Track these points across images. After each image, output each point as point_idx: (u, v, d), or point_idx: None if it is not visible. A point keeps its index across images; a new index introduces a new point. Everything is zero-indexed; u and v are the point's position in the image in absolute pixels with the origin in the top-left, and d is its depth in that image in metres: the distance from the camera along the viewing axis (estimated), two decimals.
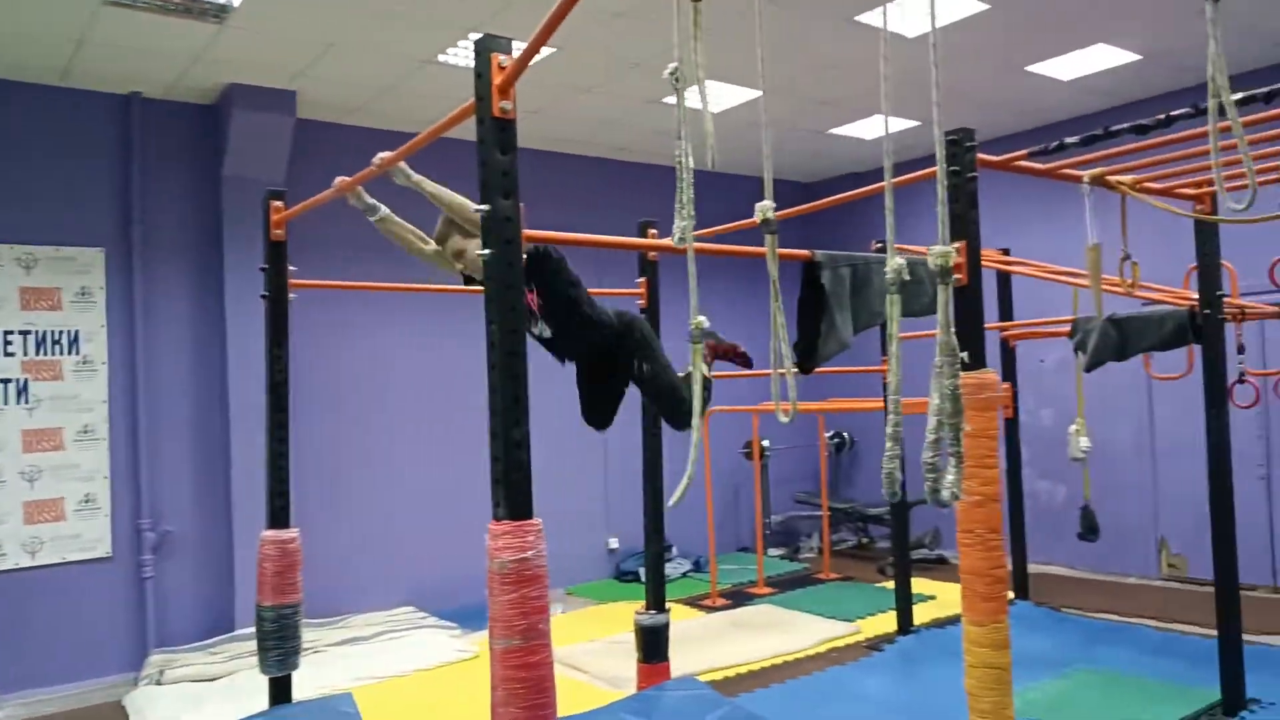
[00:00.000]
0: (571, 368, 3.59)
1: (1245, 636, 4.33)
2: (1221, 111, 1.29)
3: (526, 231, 2.67)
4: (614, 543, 8.32)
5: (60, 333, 5.95)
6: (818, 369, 3.43)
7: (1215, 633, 4.28)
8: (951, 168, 3.21)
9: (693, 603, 7.17)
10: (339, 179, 3.59)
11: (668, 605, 4.57)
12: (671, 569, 7.98)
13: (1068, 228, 5.83)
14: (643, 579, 7.54)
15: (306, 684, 4.90)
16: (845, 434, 9.56)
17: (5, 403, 5.74)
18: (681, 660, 4.82)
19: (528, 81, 6.08)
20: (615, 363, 3.46)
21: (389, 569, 7.05)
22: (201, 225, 6.47)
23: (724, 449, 8.58)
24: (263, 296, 4.24)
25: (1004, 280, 6.50)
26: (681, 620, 6.25)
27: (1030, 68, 6.58)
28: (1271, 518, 6.70)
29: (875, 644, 5.74)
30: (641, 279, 4.74)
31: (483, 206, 2.39)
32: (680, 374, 3.45)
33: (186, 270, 6.43)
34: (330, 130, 6.97)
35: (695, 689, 4.07)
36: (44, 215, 5.92)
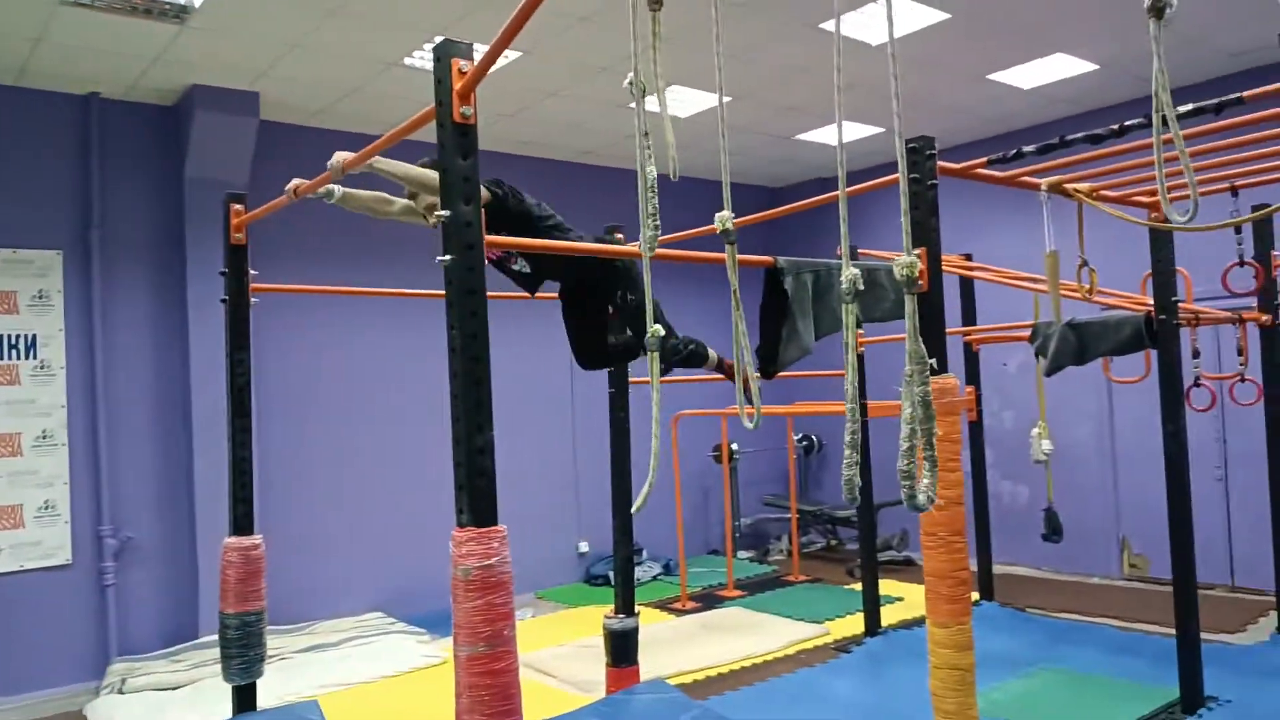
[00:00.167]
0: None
1: (1203, 635, 4.42)
2: (1167, 124, 1.32)
3: (489, 237, 2.67)
4: (584, 546, 8.31)
5: (17, 336, 5.84)
6: (783, 373, 3.45)
7: (1175, 632, 4.36)
8: (912, 175, 3.24)
9: (662, 606, 7.18)
10: (294, 182, 3.56)
11: (637, 609, 4.57)
12: (641, 572, 7.98)
13: (1029, 233, 5.92)
14: (612, 582, 7.59)
15: (272, 692, 4.85)
16: (814, 437, 9.62)
17: None
18: (651, 663, 4.82)
19: (494, 85, 6.10)
20: (597, 290, 3.52)
21: (356, 575, 6.99)
22: (163, 228, 6.39)
23: (693, 452, 8.60)
24: (223, 301, 4.19)
25: (967, 285, 6.58)
26: (651, 623, 6.25)
27: (991, 76, 6.67)
28: (1229, 519, 6.83)
29: (844, 646, 5.78)
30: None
31: (443, 212, 2.38)
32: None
33: (147, 273, 6.34)
34: (294, 132, 6.90)
35: (664, 692, 4.08)
36: (0, 217, 5.81)
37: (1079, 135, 3.49)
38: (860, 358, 6.04)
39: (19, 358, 5.84)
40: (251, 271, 4.23)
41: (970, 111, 7.46)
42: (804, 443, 9.56)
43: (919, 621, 5.84)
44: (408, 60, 5.85)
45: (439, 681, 5.40)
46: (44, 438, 5.89)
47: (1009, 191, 4.44)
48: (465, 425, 2.30)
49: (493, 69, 2.39)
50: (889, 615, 6.23)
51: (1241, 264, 4.80)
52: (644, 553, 8.29)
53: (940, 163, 3.34)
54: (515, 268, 3.38)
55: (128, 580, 6.09)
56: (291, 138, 6.84)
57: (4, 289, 5.82)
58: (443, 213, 2.37)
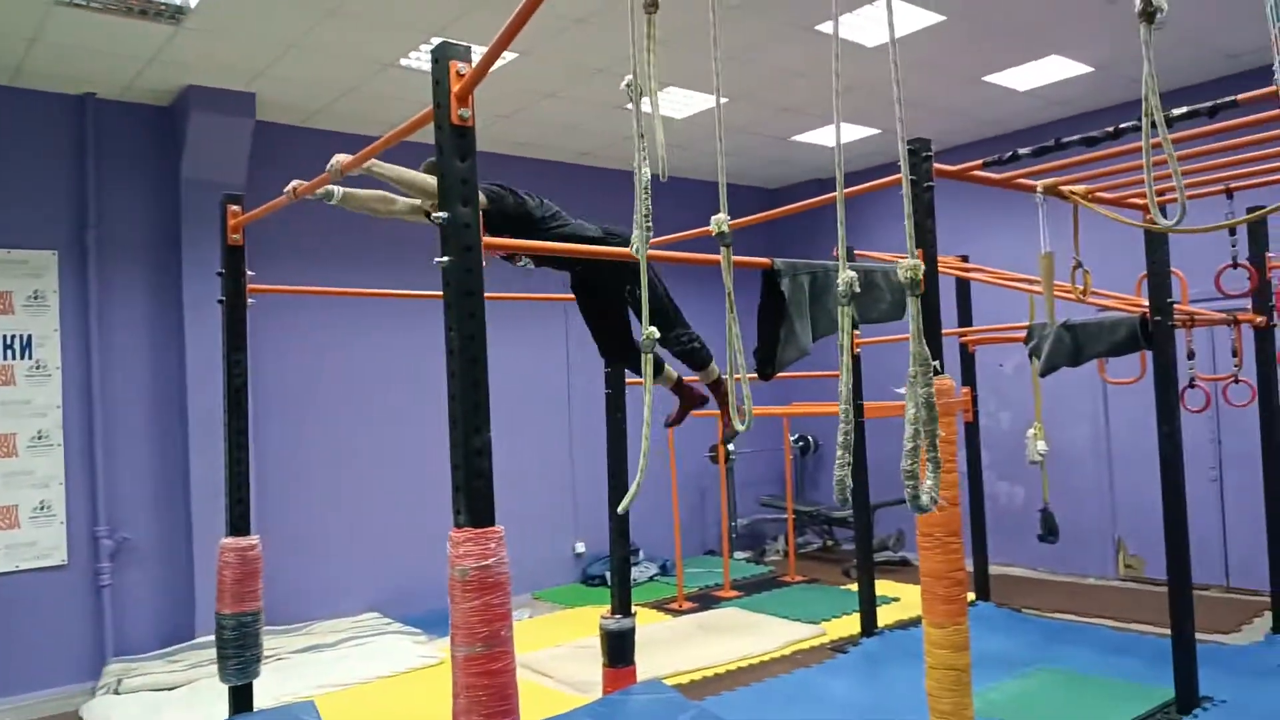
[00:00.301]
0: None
1: (1199, 635, 4.43)
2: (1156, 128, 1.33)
3: (486, 239, 2.67)
4: (580, 547, 8.31)
5: (12, 336, 5.83)
6: (780, 374, 3.46)
7: (1170, 632, 4.37)
8: (908, 178, 3.24)
9: (659, 606, 7.18)
10: (293, 184, 3.56)
11: (634, 609, 4.58)
12: (638, 573, 7.99)
13: (1025, 235, 5.93)
14: (609, 583, 7.59)
15: (268, 692, 4.85)
16: (810, 438, 9.64)
17: None
18: (647, 664, 4.82)
19: (491, 87, 6.10)
20: (606, 286, 3.54)
21: (353, 575, 6.99)
22: (158, 228, 6.38)
23: (689, 452, 8.61)
24: (220, 301, 4.19)
25: (963, 287, 6.59)
26: (648, 624, 6.26)
27: (987, 78, 6.69)
28: (1224, 519, 6.85)
29: (840, 646, 5.79)
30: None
31: (442, 214, 2.39)
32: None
33: (143, 274, 6.33)
34: (290, 133, 6.90)
35: (661, 692, 4.09)
36: None
37: (1074, 138, 3.51)
38: (856, 359, 6.05)
39: (14, 358, 5.84)
40: (249, 272, 4.23)
41: (965, 113, 7.48)
42: (800, 443, 9.57)
43: (915, 622, 5.86)
44: (404, 61, 5.86)
45: (435, 682, 5.40)
46: (39, 438, 5.88)
47: (1004, 193, 4.46)
48: (463, 426, 2.30)
49: (489, 70, 2.39)
50: (885, 615, 6.24)
51: (1235, 266, 4.82)
52: (640, 553, 8.29)
53: (936, 165, 3.35)
54: (520, 264, 3.41)
55: (124, 581, 6.09)
56: (288, 138, 6.83)
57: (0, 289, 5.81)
58: (441, 215, 2.38)
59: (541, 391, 8.10)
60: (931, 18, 5.53)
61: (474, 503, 2.25)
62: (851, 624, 6.19)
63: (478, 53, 2.38)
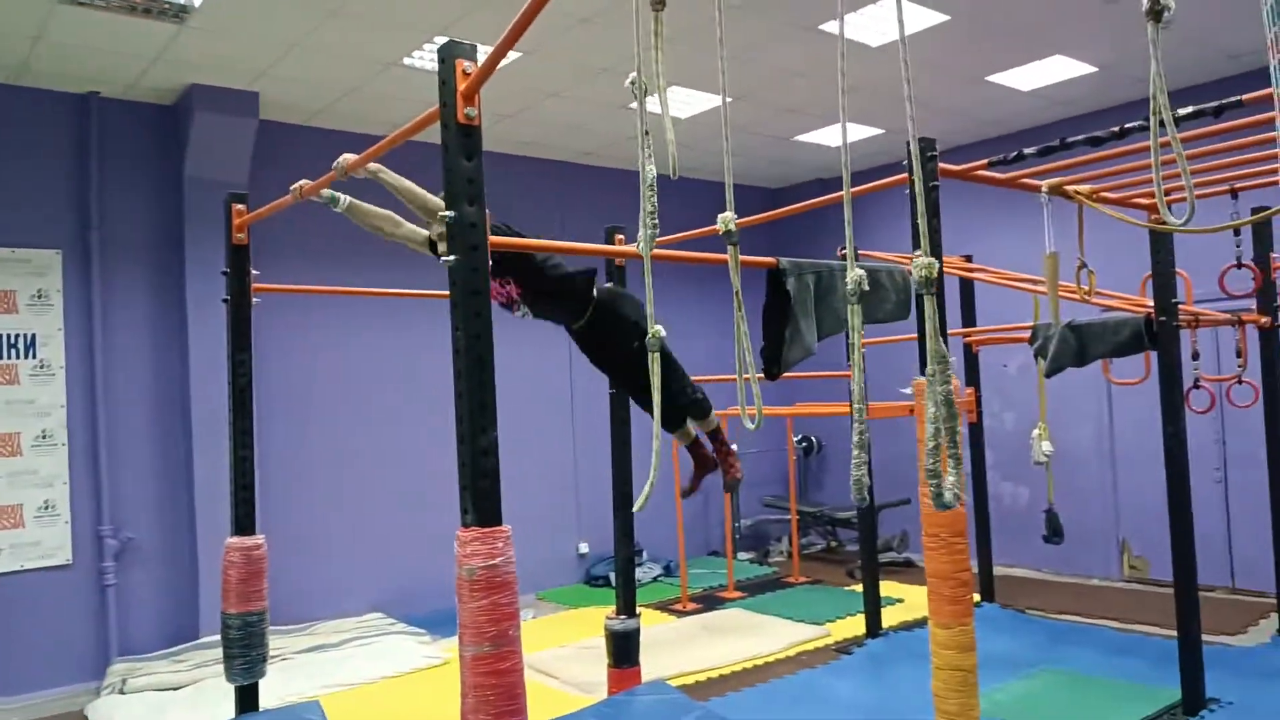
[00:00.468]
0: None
1: (1204, 637, 4.42)
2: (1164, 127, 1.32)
3: (492, 239, 2.67)
4: (584, 547, 8.31)
5: (16, 336, 5.84)
6: (784, 374, 3.45)
7: (1176, 633, 4.36)
8: (913, 176, 3.24)
9: (663, 607, 7.18)
10: (299, 183, 3.56)
11: (638, 610, 4.57)
12: (642, 573, 7.98)
13: (1028, 235, 5.93)
14: (613, 583, 7.58)
15: (273, 692, 4.85)
16: (813, 438, 9.63)
17: None
18: (652, 665, 4.81)
19: (495, 86, 6.10)
20: (613, 343, 3.52)
21: (356, 575, 6.99)
22: (162, 227, 6.39)
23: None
24: (225, 301, 4.19)
25: (966, 287, 6.59)
26: (652, 625, 6.25)
27: (991, 78, 6.68)
28: (1229, 520, 6.83)
29: (844, 647, 5.78)
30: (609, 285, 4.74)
31: (448, 213, 2.39)
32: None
33: (146, 273, 6.34)
34: (294, 132, 6.90)
35: (666, 693, 4.08)
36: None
37: (1079, 137, 3.50)
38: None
39: (18, 357, 5.84)
40: (253, 272, 4.23)
41: (968, 113, 7.47)
42: (803, 444, 9.56)
43: (920, 623, 5.85)
44: (406, 60, 5.86)
45: (440, 682, 5.41)
46: (43, 437, 5.89)
47: (1008, 193, 4.45)
48: (469, 426, 2.30)
49: (495, 69, 2.39)
50: (890, 616, 6.24)
51: (1239, 266, 4.81)
52: (644, 554, 8.28)
53: (941, 164, 3.35)
54: (518, 313, 3.40)
55: (128, 580, 6.09)
56: (291, 137, 6.84)
57: (3, 288, 5.82)
58: (448, 213, 2.38)
59: (544, 391, 8.10)
60: (935, 17, 5.53)
61: (481, 502, 2.25)
62: (856, 625, 6.19)
63: (482, 52, 2.38)
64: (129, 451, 6.19)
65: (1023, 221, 7.34)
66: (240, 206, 4.17)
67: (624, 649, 4.35)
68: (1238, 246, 4.73)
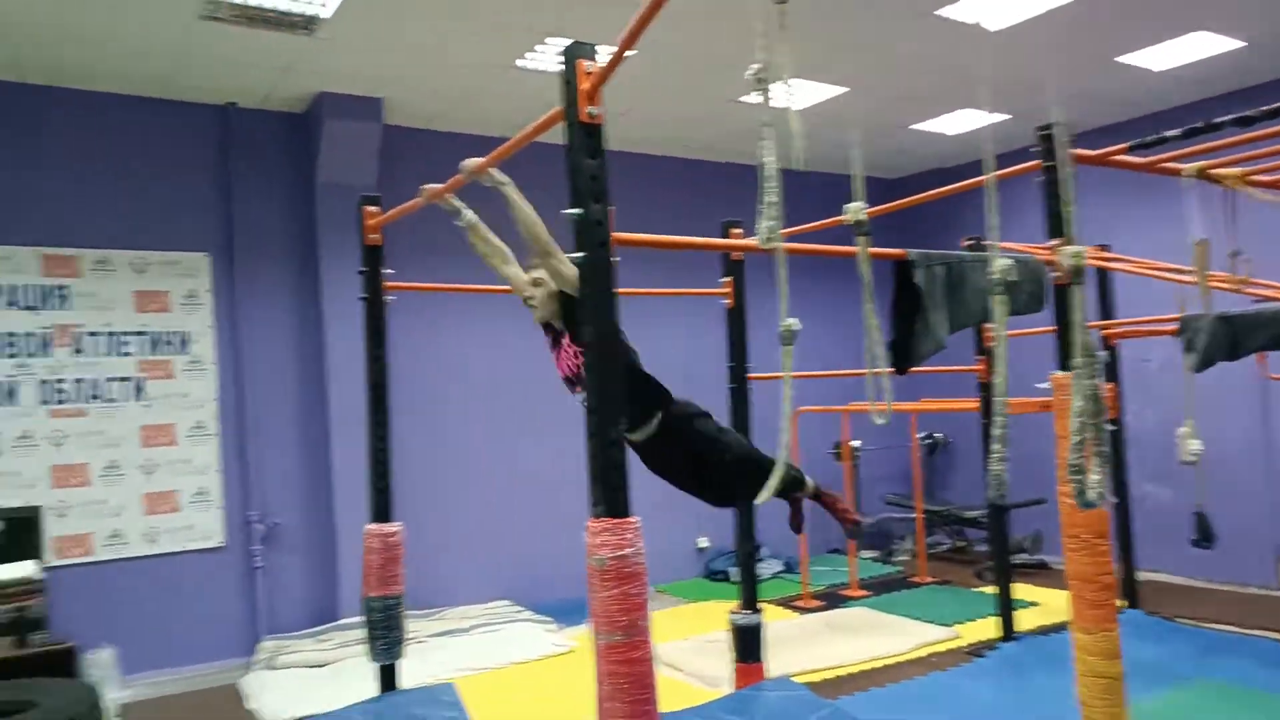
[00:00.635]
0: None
1: None
2: None
3: (615, 235, 2.70)
4: (703, 541, 8.31)
5: (171, 334, 6.26)
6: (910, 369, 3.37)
7: None
8: (1046, 163, 3.12)
9: (785, 604, 7.11)
10: (427, 186, 3.66)
11: (760, 605, 4.55)
12: (762, 569, 7.91)
13: (1166, 222, 5.57)
14: (733, 578, 7.57)
15: (409, 673, 5.03)
16: (938, 435, 9.35)
17: (124, 400, 6.08)
18: (776, 661, 4.78)
19: (607, 84, 6.16)
20: (677, 452, 3.39)
21: (485, 563, 7.20)
22: (298, 230, 6.73)
23: (812, 449, 8.47)
24: (361, 299, 4.38)
25: (1103, 277, 6.26)
26: (774, 621, 6.20)
27: (1121, 59, 6.33)
28: None
29: (977, 650, 5.59)
30: (726, 279, 4.73)
31: (573, 210, 2.42)
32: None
33: (286, 273, 6.69)
34: (417, 135, 7.12)
35: (793, 690, 4.05)
36: (153, 222, 6.23)
37: (1227, 118, 3.27)
38: (990, 353, 5.83)
39: (173, 353, 6.26)
40: (386, 270, 4.41)
41: (1095, 97, 7.10)
42: (928, 441, 9.29)
43: (1057, 628, 5.60)
44: (520, 62, 5.96)
45: (568, 669, 5.52)
46: (197, 428, 6.30)
47: (1143, 179, 4.21)
48: (598, 419, 2.34)
49: (617, 67, 2.41)
50: (1024, 620, 5.99)
51: None
52: (764, 549, 8.22)
53: (1076, 150, 3.19)
54: (576, 396, 3.21)
55: (275, 563, 6.46)
56: (414, 141, 7.05)
57: (158, 289, 6.24)
58: (574, 210, 2.41)
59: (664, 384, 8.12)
60: None
61: (610, 494, 2.28)
62: (987, 627, 5.97)
63: (603, 51, 2.41)
64: (273, 441, 6.56)
65: (1159, 209, 6.93)
66: (373, 209, 4.36)
67: (748, 644, 4.34)
68: None
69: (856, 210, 1.68)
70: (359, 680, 4.93)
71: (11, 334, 5.76)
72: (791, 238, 4.58)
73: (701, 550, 8.31)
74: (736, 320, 4.65)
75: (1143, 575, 6.69)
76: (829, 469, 8.87)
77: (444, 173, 3.58)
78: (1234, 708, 4.47)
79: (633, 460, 2.49)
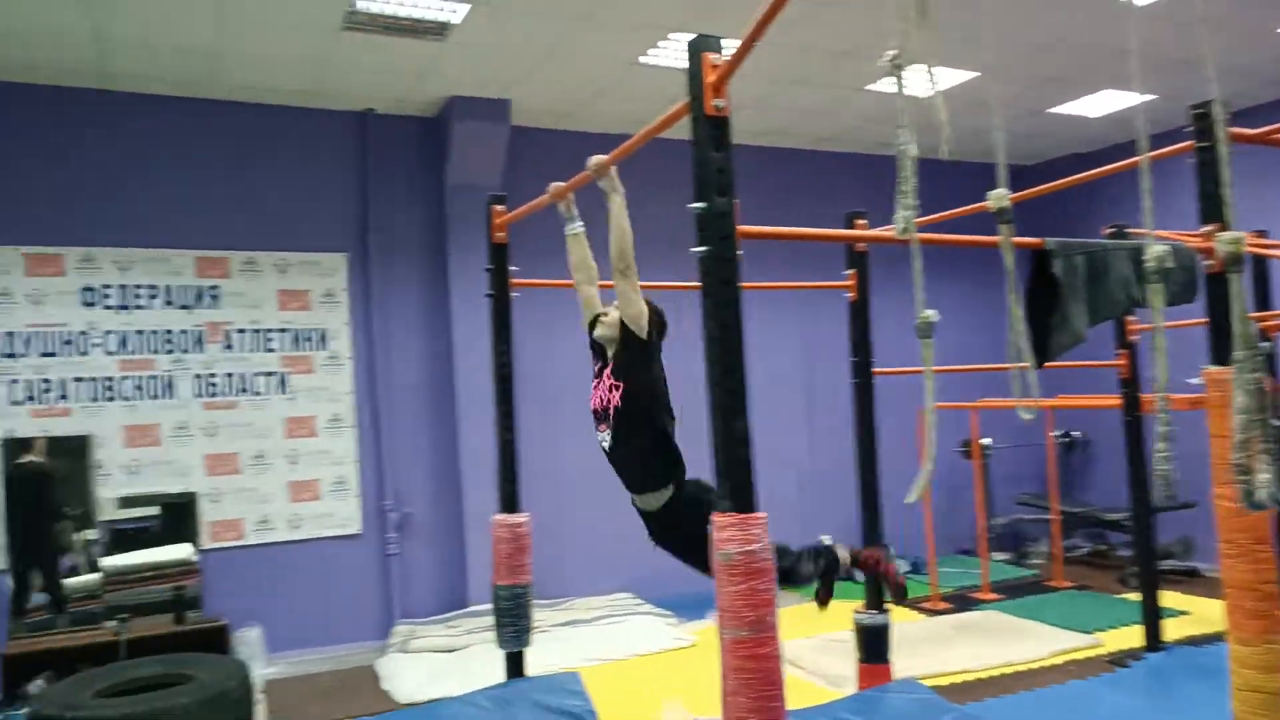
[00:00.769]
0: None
1: None
2: None
3: (741, 228, 2.68)
4: (826, 539, 8.15)
5: (311, 330, 6.59)
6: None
7: None
8: (1200, 143, 2.92)
9: (912, 605, 6.91)
10: (553, 185, 3.72)
11: (885, 605, 4.45)
12: None
13: None
14: (857, 578, 7.40)
15: (533, 661, 5.16)
16: (1075, 433, 8.90)
17: (270, 393, 6.44)
18: (902, 663, 4.67)
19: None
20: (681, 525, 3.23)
21: (606, 556, 7.27)
22: (428, 229, 6.96)
23: (940, 447, 8.21)
24: (488, 295, 4.50)
25: (1260, 266, 5.83)
26: (900, 622, 6.03)
27: None
28: None
29: (1119, 659, 5.30)
30: (850, 271, 4.64)
31: (698, 204, 2.42)
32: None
33: (416, 271, 6.94)
34: (542, 135, 7.23)
35: (919, 693, 3.94)
36: (295, 225, 6.57)
37: None
38: (1132, 347, 5.52)
39: (313, 349, 6.59)
40: (511, 268, 4.52)
41: (1251, 73, 6.60)
42: (1064, 439, 8.86)
43: (1210, 639, 5.25)
44: (642, 59, 5.99)
45: (690, 663, 5.54)
46: (335, 420, 6.61)
47: None
48: (722, 413, 2.33)
49: (743, 60, 2.39)
50: (1172, 629, 5.64)
51: None
52: (890, 550, 8.02)
53: (1234, 129, 2.97)
54: (600, 437, 3.26)
55: (408, 551, 6.73)
56: (539, 141, 7.16)
57: (300, 288, 6.57)
58: (698, 204, 2.41)
59: (778, 380, 8.04)
60: None
61: (737, 488, 2.27)
62: (1131, 636, 5.65)
63: (726, 45, 2.40)
64: (405, 433, 6.82)
65: None
66: (500, 208, 4.47)
67: (874, 644, 4.26)
68: None
69: (999, 197, 1.61)
70: (486, 666, 5.07)
71: (169, 331, 6.18)
72: (923, 228, 4.47)
73: None
74: (860, 314, 4.55)
75: None
76: (957, 468, 8.60)
77: (566, 172, 3.64)
78: None
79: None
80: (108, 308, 6.02)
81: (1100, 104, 7.39)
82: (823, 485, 8.08)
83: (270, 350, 6.46)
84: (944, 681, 5.02)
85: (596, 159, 3.25)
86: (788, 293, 7.60)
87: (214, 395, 6.28)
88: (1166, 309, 3.51)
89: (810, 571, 3.34)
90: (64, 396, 5.90)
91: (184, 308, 6.23)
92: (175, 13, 5.00)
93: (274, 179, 6.51)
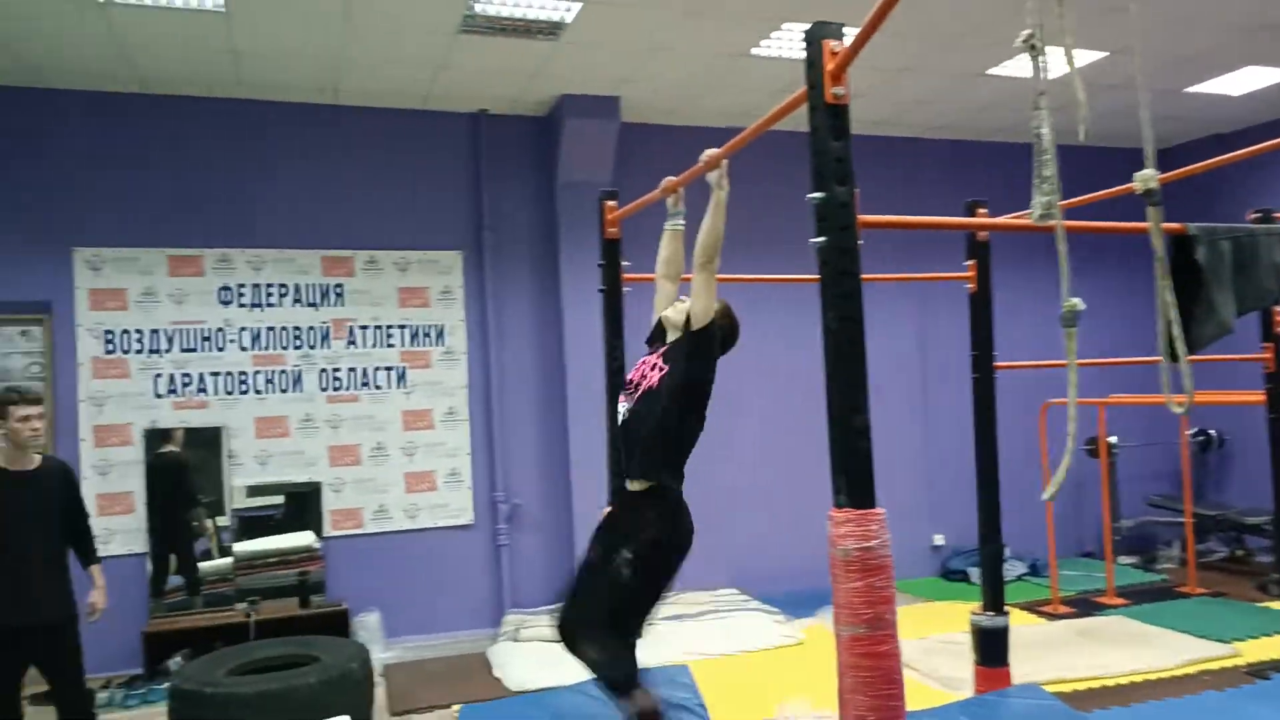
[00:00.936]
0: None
1: None
2: None
3: (861, 217, 2.63)
4: (939, 539, 7.97)
5: (429, 326, 6.79)
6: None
7: None
8: None
9: (1031, 608, 6.67)
10: (667, 179, 3.73)
11: (1004, 608, 4.30)
12: (1004, 571, 7.47)
13: None
14: (972, 579, 7.20)
15: (639, 653, 5.19)
16: (1212, 432, 8.41)
17: (389, 387, 6.66)
18: (1021, 667, 4.50)
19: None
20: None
21: (712, 551, 7.25)
22: (540, 227, 7.08)
23: (1062, 444, 7.90)
24: (600, 290, 4.54)
25: None
26: (1019, 625, 5.84)
27: None
28: None
29: (1260, 670, 4.98)
30: (970, 262, 4.49)
31: (816, 194, 2.39)
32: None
33: (528, 268, 7.07)
34: (650, 131, 7.25)
35: (1041, 698, 3.80)
36: (414, 224, 6.78)
37: None
38: (1278, 340, 5.19)
39: (430, 345, 6.80)
40: (624, 263, 4.54)
41: None
42: (1200, 438, 8.38)
43: None
44: (754, 51, 5.94)
45: (799, 661, 5.48)
46: (450, 414, 6.80)
47: None
48: (841, 407, 2.29)
49: (864, 46, 2.34)
50: None
51: None
52: (1007, 550, 7.75)
53: None
54: (623, 400, 3.20)
55: (518, 542, 6.87)
56: (648, 137, 7.19)
57: (418, 285, 6.79)
58: (817, 194, 2.38)
59: (893, 372, 7.85)
60: None
61: (855, 484, 2.23)
62: (1272, 646, 5.33)
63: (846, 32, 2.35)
64: (516, 427, 6.96)
65: None
66: (611, 203, 4.50)
67: (992, 647, 4.13)
68: None
69: (1146, 178, 1.53)
70: None
71: (298, 328, 6.48)
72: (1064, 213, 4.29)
73: (936, 548, 7.97)
74: (981, 306, 4.41)
75: None
76: (1082, 466, 8.24)
77: (673, 167, 3.65)
78: None
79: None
80: (242, 305, 6.35)
81: (1241, 82, 6.96)
82: (938, 481, 7.87)
83: (390, 346, 6.69)
84: (1065, 688, 4.81)
85: (710, 152, 3.24)
86: (897, 285, 7.43)
87: (338, 389, 6.54)
88: None
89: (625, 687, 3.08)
90: (202, 390, 6.26)
91: (311, 305, 6.51)
92: (305, 23, 5.22)
93: (393, 180, 6.73)
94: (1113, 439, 7.53)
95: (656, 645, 5.57)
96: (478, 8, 5.15)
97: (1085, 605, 6.70)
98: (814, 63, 2.41)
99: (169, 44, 5.44)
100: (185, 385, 6.22)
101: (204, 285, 6.28)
